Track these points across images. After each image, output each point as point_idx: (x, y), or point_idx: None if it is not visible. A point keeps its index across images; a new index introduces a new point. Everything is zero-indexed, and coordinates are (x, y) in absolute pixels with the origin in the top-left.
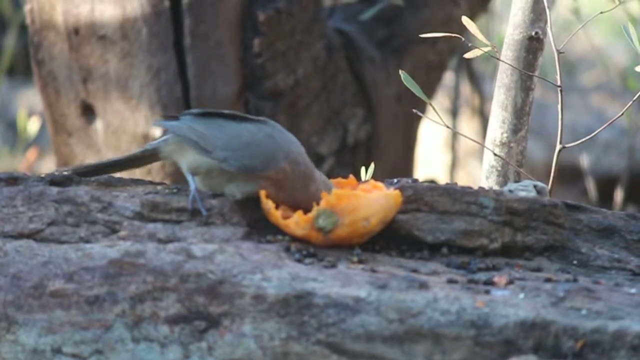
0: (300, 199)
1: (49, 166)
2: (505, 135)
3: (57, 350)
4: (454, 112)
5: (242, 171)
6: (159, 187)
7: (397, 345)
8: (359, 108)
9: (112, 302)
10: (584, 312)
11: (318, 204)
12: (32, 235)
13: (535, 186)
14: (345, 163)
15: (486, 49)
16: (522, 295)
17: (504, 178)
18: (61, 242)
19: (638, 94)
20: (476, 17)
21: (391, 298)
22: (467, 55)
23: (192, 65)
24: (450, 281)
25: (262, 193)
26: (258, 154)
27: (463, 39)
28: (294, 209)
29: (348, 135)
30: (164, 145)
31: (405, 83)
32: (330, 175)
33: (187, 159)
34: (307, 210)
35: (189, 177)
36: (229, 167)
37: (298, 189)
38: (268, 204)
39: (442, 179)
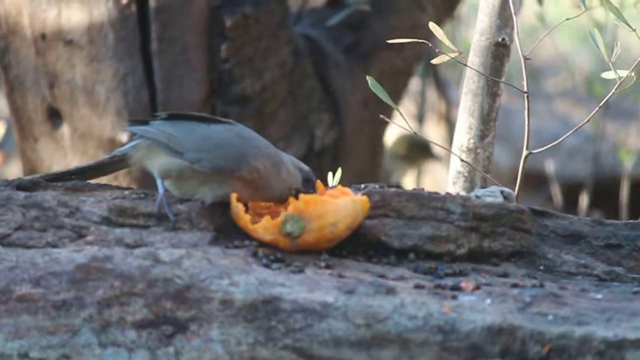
0: (276, 191)
1: (15, 171)
2: (472, 141)
3: (24, 355)
4: (421, 118)
5: (216, 171)
6: (126, 192)
7: (365, 351)
8: (325, 113)
9: (79, 307)
10: (550, 317)
11: (292, 189)
12: None
13: (502, 192)
14: (312, 168)
15: (453, 55)
16: (488, 301)
17: (470, 184)
18: (28, 247)
19: (604, 100)
20: (442, 23)
21: (358, 303)
22: (433, 61)
23: (159, 70)
24: (418, 286)
25: (234, 196)
26: (230, 155)
27: (430, 44)
28: (276, 202)
29: (315, 141)
30: (133, 150)
31: (371, 88)
32: None
33: (158, 163)
34: (284, 199)
35: (159, 181)
36: (202, 168)
37: (274, 181)
38: (238, 207)
39: (409, 185)
